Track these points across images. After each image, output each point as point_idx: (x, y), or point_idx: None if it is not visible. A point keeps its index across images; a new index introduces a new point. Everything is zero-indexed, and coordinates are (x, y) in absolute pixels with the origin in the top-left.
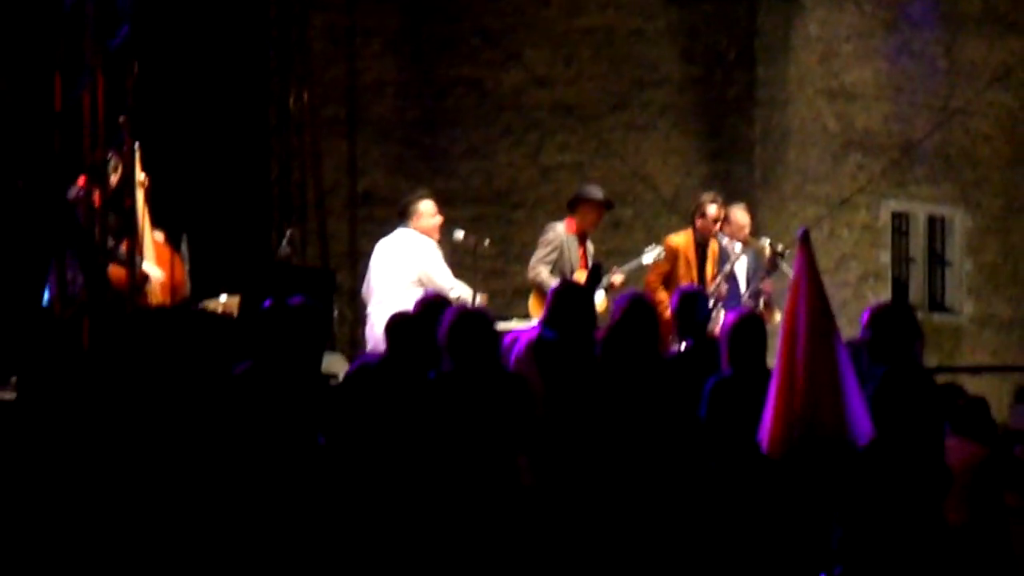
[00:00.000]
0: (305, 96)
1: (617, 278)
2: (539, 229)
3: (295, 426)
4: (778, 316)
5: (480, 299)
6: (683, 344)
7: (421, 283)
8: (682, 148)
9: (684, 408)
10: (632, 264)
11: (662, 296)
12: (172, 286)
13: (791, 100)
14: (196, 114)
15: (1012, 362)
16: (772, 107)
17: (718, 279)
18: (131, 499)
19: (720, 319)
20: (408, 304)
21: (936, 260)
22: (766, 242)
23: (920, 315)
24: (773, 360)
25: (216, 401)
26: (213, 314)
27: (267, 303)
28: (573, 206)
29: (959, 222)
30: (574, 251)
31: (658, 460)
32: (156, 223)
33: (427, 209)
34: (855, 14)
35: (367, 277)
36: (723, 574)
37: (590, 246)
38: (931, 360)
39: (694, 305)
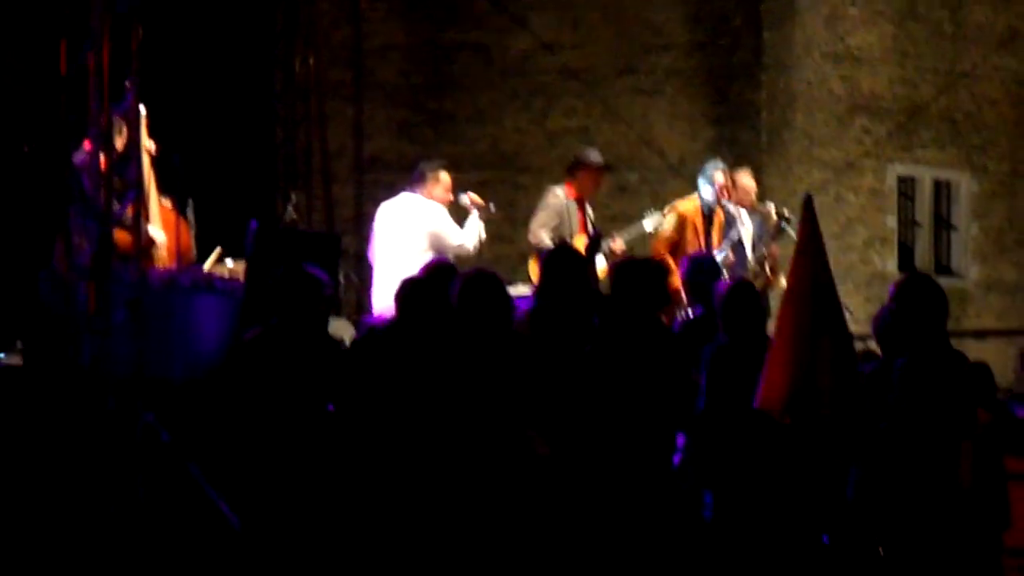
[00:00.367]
0: (311, 60)
1: (618, 244)
2: None
3: (305, 392)
4: (783, 281)
5: (492, 208)
6: (692, 312)
7: (432, 248)
8: (688, 113)
9: (688, 376)
10: (632, 229)
11: (670, 264)
12: (178, 251)
13: (797, 64)
14: (201, 78)
15: (1017, 326)
16: (778, 71)
17: (724, 245)
18: (138, 464)
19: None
20: (417, 269)
21: (942, 224)
22: (771, 207)
23: None
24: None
25: (226, 367)
26: (221, 277)
27: (279, 270)
28: (572, 171)
29: (965, 186)
30: (574, 216)
31: (657, 432)
32: (161, 188)
33: (445, 180)
34: None
35: (371, 241)
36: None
37: (590, 210)
38: None
39: (703, 271)
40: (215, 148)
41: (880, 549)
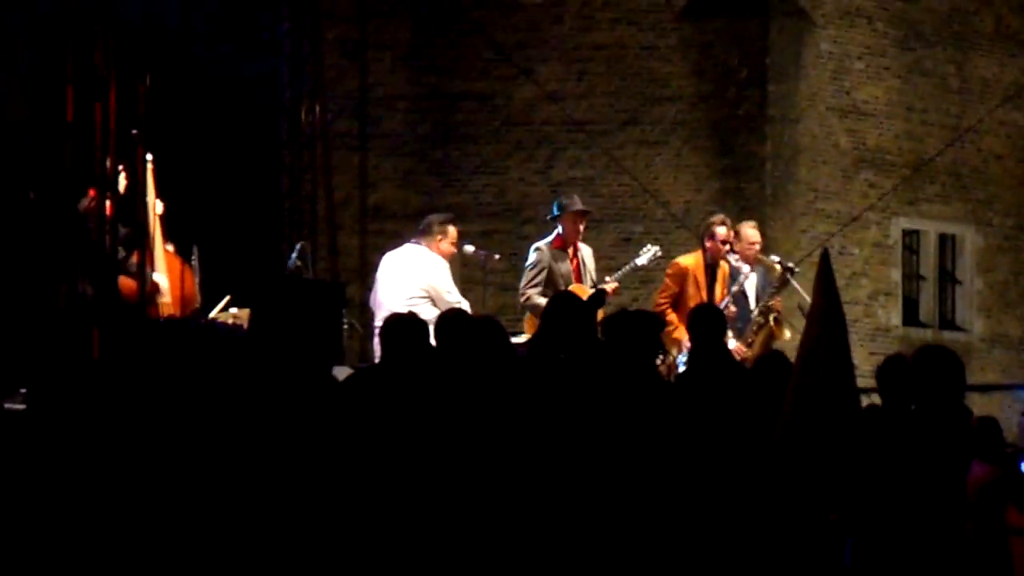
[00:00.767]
0: (317, 110)
1: (611, 286)
2: None
3: (303, 434)
4: (787, 333)
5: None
6: (684, 359)
7: (428, 296)
8: (693, 164)
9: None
10: (626, 268)
11: (672, 318)
12: (183, 298)
13: (802, 117)
14: (208, 127)
15: (1022, 381)
16: (783, 124)
17: (727, 299)
18: (139, 509)
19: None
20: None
21: (947, 278)
22: (776, 259)
23: (930, 333)
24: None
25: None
26: (224, 325)
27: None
28: (555, 220)
29: (970, 240)
30: (564, 265)
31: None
32: (168, 236)
33: (452, 234)
34: (867, 32)
35: (374, 289)
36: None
37: (585, 257)
38: None
39: (707, 320)
40: (221, 196)
41: None
